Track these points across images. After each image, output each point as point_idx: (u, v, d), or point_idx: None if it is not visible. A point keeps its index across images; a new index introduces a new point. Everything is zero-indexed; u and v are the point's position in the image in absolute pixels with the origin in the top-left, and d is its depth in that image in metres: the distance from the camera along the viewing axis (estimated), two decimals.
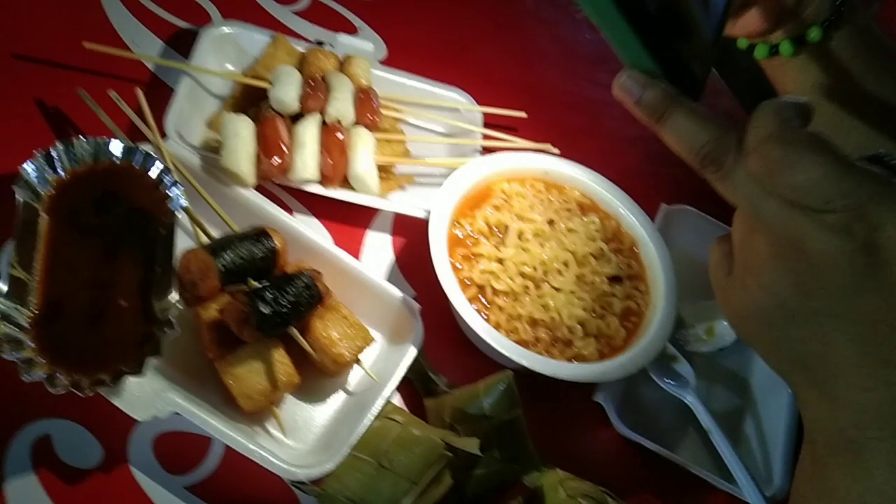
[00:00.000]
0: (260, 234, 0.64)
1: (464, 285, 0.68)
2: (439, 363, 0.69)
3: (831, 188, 0.36)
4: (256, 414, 0.62)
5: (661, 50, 0.39)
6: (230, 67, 0.82)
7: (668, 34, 0.40)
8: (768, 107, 0.39)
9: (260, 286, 0.61)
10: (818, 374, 0.40)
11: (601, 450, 0.73)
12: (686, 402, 0.75)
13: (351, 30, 0.95)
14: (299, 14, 0.94)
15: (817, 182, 0.36)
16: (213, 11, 0.88)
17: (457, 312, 0.66)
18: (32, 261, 0.58)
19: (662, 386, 0.75)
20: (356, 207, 0.77)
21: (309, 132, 0.73)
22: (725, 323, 0.78)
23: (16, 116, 0.72)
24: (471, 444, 0.57)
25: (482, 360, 0.72)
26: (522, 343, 0.66)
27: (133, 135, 0.68)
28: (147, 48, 0.82)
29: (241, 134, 0.69)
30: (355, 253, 0.76)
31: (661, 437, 0.72)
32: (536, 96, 0.96)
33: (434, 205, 0.71)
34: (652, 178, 0.93)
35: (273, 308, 0.59)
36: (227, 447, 0.60)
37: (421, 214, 0.76)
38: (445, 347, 0.71)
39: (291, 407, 0.64)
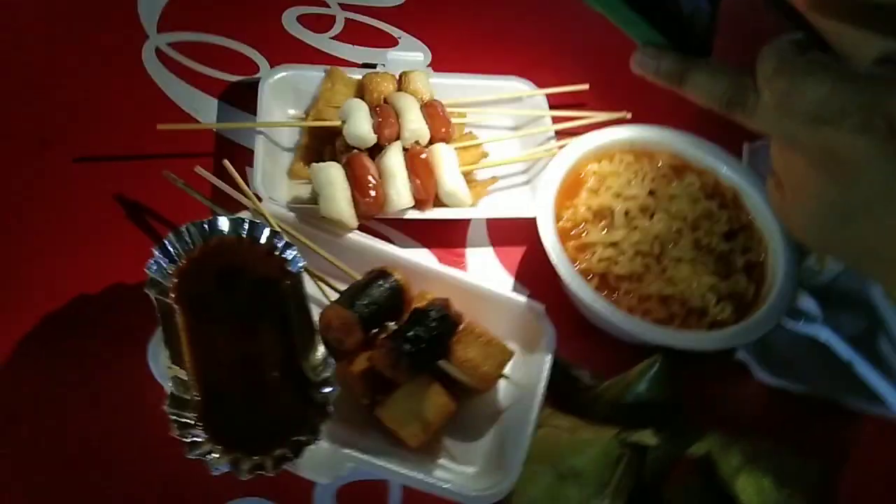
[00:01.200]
0: (383, 276, 0.64)
1: (585, 278, 0.68)
2: (574, 356, 0.70)
3: (840, 98, 0.39)
4: (424, 448, 0.63)
5: (664, 24, 0.44)
6: (292, 112, 0.82)
7: (667, 9, 0.45)
8: (768, 48, 0.43)
9: (399, 328, 0.61)
10: (891, 259, 0.44)
11: (752, 404, 0.73)
12: (821, 339, 0.74)
13: (392, 42, 0.94)
14: (338, 39, 0.93)
15: (825, 98, 0.40)
16: (257, 58, 0.88)
17: (586, 307, 0.66)
18: (181, 354, 0.59)
19: (794, 328, 0.74)
20: (451, 222, 0.77)
21: (394, 161, 0.73)
22: None
23: (115, 218, 0.73)
24: (646, 437, 0.57)
25: (614, 343, 0.72)
26: (659, 322, 0.66)
27: (228, 206, 0.69)
28: (209, 112, 0.82)
29: (335, 180, 0.70)
30: (461, 267, 0.77)
31: (806, 378, 0.72)
32: (598, 61, 0.94)
33: (537, 205, 0.71)
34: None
35: (418, 346, 0.60)
36: (406, 487, 0.62)
37: (517, 214, 0.76)
38: (574, 338, 0.71)
39: (454, 433, 0.65)
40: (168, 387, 0.56)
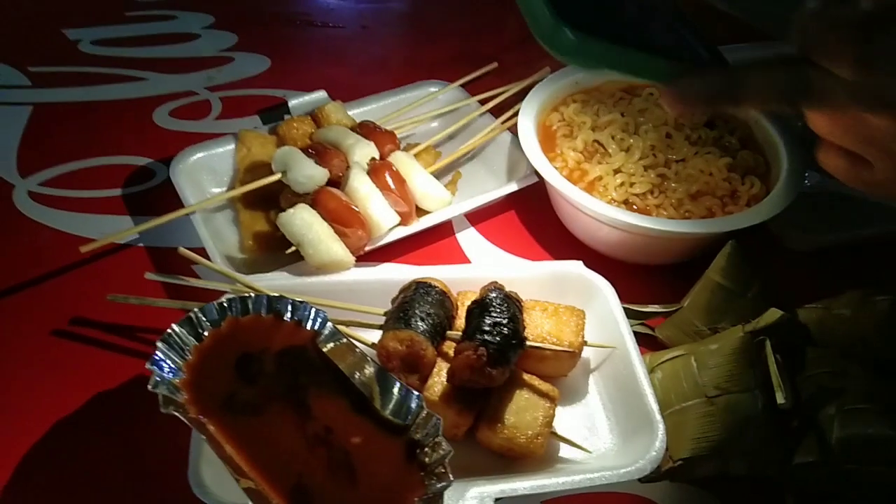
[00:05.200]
0: (421, 286, 0.55)
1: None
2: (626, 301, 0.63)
3: None
4: (548, 454, 0.53)
5: (675, 49, 0.42)
6: (215, 191, 0.72)
7: (663, 35, 0.42)
8: (812, 20, 0.38)
9: (469, 327, 0.53)
10: None
11: (804, 274, 0.70)
12: (831, 189, 0.72)
13: (278, 100, 0.86)
14: (222, 118, 0.84)
15: None
16: (148, 163, 0.77)
17: (631, 233, 0.61)
18: (238, 467, 0.47)
19: (804, 190, 0.72)
20: (440, 235, 0.71)
21: (362, 182, 0.64)
22: None
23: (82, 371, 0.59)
24: (773, 315, 0.52)
25: (651, 274, 0.67)
26: (706, 217, 0.62)
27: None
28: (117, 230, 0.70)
29: (312, 221, 0.60)
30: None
31: (844, 228, 0.71)
32: (491, 44, 0.93)
33: (529, 158, 0.66)
34: None
35: (502, 332, 0.51)
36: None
37: (509, 190, 0.71)
38: (616, 281, 0.65)
39: (567, 426, 0.56)
40: None
